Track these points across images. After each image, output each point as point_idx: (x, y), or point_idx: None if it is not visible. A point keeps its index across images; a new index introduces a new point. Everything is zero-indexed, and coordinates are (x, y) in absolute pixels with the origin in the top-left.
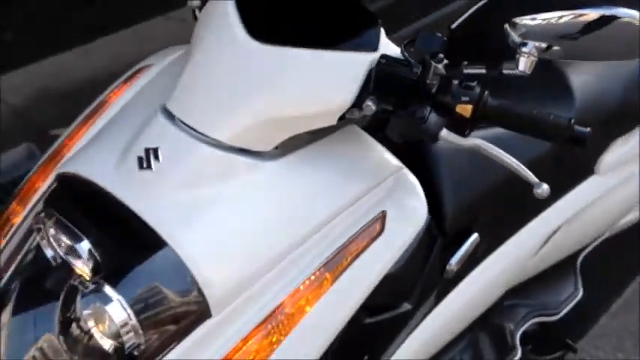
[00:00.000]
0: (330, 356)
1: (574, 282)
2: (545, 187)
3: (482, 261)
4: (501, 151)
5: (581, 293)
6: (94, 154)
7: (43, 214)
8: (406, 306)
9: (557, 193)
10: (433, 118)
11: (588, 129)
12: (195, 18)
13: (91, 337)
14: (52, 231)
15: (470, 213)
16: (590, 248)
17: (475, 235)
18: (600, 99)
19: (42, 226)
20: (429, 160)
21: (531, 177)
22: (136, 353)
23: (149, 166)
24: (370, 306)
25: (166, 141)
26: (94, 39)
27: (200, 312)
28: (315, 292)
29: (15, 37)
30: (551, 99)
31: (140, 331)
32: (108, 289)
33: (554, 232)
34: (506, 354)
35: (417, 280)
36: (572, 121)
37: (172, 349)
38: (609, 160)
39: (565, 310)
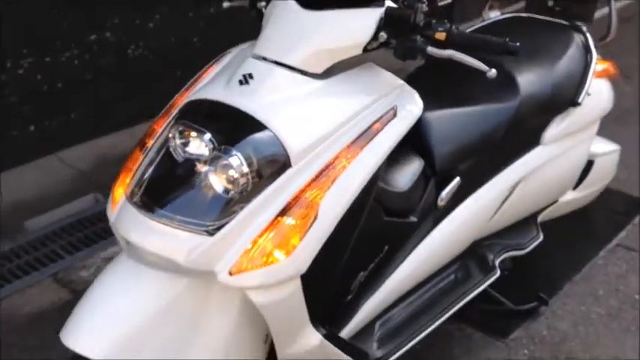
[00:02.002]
0: (360, 241)
1: (536, 230)
2: (494, 71)
3: (464, 200)
4: (463, 55)
5: (541, 237)
6: (206, 88)
7: (173, 125)
8: (412, 218)
9: (512, 157)
10: (421, 41)
11: (518, 43)
12: (254, 14)
13: (209, 185)
14: (179, 136)
15: (452, 162)
16: (553, 214)
17: (457, 179)
18: (538, 89)
19: (172, 133)
20: (423, 126)
21: (483, 66)
22: (237, 196)
23: (247, 83)
24: (387, 207)
25: (256, 68)
26: (136, 123)
27: (283, 164)
28: (354, 152)
29: (78, 118)
30: (502, 90)
31: (249, 176)
32: (230, 149)
33: (515, 186)
34: (488, 272)
35: (419, 202)
36: (507, 39)
37: (263, 191)
38: (551, 134)
39: (529, 248)
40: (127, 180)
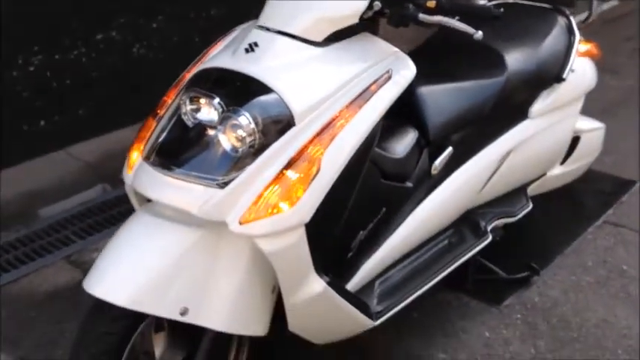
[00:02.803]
0: (360, 200)
1: (525, 200)
2: (480, 33)
3: (457, 169)
4: (452, 20)
5: (531, 206)
6: (214, 59)
7: (184, 93)
8: (408, 184)
9: (501, 129)
10: (413, 9)
11: (502, 9)
12: None
13: (219, 144)
14: (189, 102)
15: (445, 132)
16: (542, 188)
17: (450, 149)
18: (524, 66)
19: (183, 100)
20: (418, 100)
21: (469, 29)
22: (245, 153)
23: (252, 50)
24: (384, 171)
25: (260, 37)
26: (140, 120)
27: (287, 123)
28: (352, 112)
29: (85, 114)
30: (490, 67)
31: (256, 135)
32: (238, 109)
33: (505, 157)
34: (480, 237)
35: (414, 169)
36: (492, 5)
37: (268, 148)
38: (537, 108)
39: (519, 215)
40: (142, 146)
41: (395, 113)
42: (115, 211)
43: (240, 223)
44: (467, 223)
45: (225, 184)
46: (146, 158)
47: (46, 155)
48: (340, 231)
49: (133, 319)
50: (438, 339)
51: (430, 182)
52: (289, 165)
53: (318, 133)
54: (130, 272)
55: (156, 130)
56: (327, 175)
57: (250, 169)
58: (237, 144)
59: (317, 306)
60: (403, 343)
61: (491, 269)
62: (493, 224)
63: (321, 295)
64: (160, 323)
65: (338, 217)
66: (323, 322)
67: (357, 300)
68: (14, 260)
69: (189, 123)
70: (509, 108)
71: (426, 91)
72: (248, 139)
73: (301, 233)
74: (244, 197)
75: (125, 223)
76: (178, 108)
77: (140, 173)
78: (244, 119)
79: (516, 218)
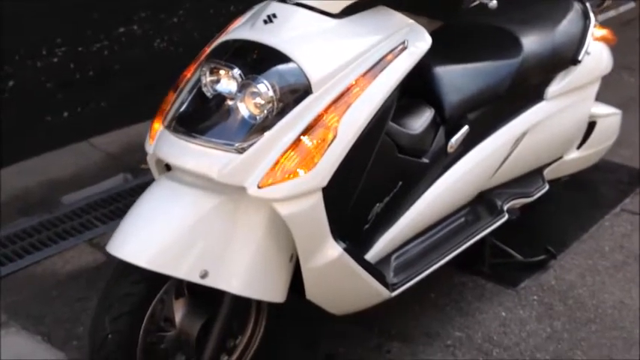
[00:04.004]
0: (376, 172)
1: (542, 181)
2: (495, 1)
3: (473, 148)
4: None
5: (547, 187)
6: (233, 32)
7: (204, 65)
8: (424, 160)
9: (517, 110)
10: None
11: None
12: None
13: (238, 111)
14: (209, 74)
15: (461, 111)
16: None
17: (466, 127)
18: (539, 48)
19: (203, 71)
20: (434, 79)
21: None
22: (263, 120)
23: (271, 21)
24: (400, 146)
25: (279, 9)
26: None
27: (305, 91)
28: (368, 80)
29: (107, 106)
30: (506, 49)
31: (274, 102)
32: (257, 77)
33: (521, 138)
34: (496, 215)
35: (430, 145)
36: None
37: (286, 115)
38: (553, 90)
39: (536, 196)
40: (163, 118)
41: (412, 92)
42: (136, 197)
43: (259, 187)
44: (483, 202)
45: (244, 149)
46: (167, 127)
47: (69, 146)
48: (357, 201)
49: (153, 282)
50: (454, 318)
51: (446, 160)
52: (306, 131)
53: (335, 101)
54: (151, 235)
55: (176, 102)
56: (343, 141)
57: (268, 135)
58: (256, 111)
59: (333, 272)
60: (420, 321)
61: (507, 252)
62: (509, 204)
63: (338, 261)
64: (180, 290)
65: (354, 186)
66: (340, 290)
67: (373, 269)
68: (37, 243)
69: (209, 94)
70: (525, 89)
71: (443, 70)
72: (266, 107)
73: (318, 198)
74: (262, 162)
75: (147, 189)
76: (198, 80)
77: (161, 141)
78: (263, 87)
79: (533, 198)
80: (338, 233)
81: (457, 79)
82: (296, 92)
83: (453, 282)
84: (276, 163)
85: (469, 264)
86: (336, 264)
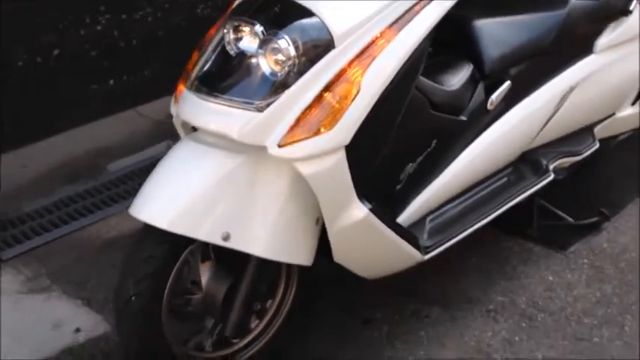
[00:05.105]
0: (406, 130)
1: (592, 139)
2: None
3: (515, 105)
4: None
5: (597, 145)
6: None
7: (227, 22)
8: (462, 117)
9: (564, 64)
10: None
11: None
12: None
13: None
14: (232, 31)
15: (502, 66)
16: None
17: (508, 82)
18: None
19: (227, 28)
20: (473, 33)
21: None
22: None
23: None
24: (434, 103)
25: None
26: None
27: (327, 46)
28: (393, 33)
29: (153, 75)
30: (552, 0)
31: (295, 58)
32: (278, 33)
33: (568, 94)
34: (541, 175)
35: (468, 102)
36: None
37: (308, 71)
38: (603, 42)
39: (585, 154)
40: (186, 77)
41: (450, 47)
42: None
43: (280, 147)
44: (527, 162)
45: (264, 107)
46: (189, 87)
47: (116, 114)
48: (386, 160)
49: (176, 244)
50: (497, 282)
51: (486, 118)
52: (328, 87)
53: (358, 55)
54: (173, 197)
55: (200, 61)
56: (367, 96)
57: (289, 92)
58: (277, 68)
59: (360, 234)
60: (461, 286)
61: (557, 215)
62: (556, 163)
63: (364, 222)
64: (206, 253)
65: (381, 144)
66: (368, 252)
67: (404, 230)
68: (82, 209)
69: (232, 52)
70: (572, 42)
71: (483, 24)
72: (287, 63)
73: (341, 156)
74: (283, 121)
75: (169, 151)
76: (222, 39)
77: (184, 102)
78: (284, 42)
79: (582, 157)
80: (365, 193)
81: (498, 32)
82: (318, 47)
83: (498, 246)
84: (298, 121)
85: (516, 227)
86: (362, 225)
